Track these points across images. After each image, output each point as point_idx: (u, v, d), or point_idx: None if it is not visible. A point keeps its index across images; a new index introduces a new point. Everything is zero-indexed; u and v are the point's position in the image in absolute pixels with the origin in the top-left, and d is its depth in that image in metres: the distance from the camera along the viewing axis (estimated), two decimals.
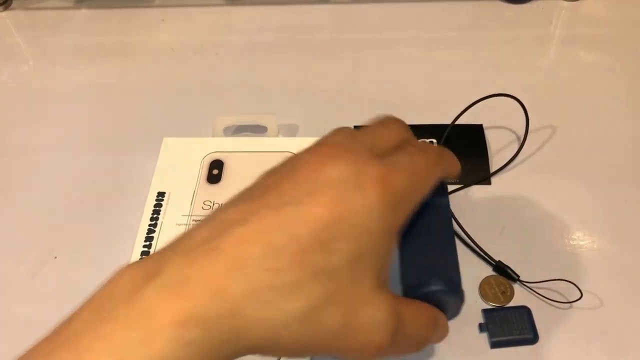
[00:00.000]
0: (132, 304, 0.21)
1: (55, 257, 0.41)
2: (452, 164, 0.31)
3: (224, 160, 0.44)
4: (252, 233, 0.22)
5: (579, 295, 0.36)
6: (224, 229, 0.22)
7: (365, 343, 0.24)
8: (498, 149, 0.45)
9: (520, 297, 0.37)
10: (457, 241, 0.40)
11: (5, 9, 0.61)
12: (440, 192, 0.30)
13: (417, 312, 0.27)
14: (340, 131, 0.29)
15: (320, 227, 0.23)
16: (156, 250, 0.23)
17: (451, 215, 0.32)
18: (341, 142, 0.27)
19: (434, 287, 0.28)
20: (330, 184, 0.24)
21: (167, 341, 0.20)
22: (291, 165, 0.26)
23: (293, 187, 0.24)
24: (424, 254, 0.29)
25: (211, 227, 0.23)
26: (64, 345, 0.21)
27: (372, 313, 0.24)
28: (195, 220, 0.40)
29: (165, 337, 0.20)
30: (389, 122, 0.30)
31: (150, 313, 0.20)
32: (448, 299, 0.29)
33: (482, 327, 0.36)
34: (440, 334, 0.29)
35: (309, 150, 0.26)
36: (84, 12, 0.61)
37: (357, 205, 0.23)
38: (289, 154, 0.43)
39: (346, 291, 0.23)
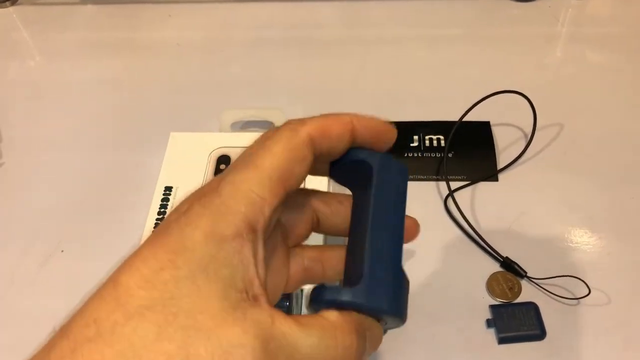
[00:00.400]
0: None
1: (62, 251, 0.41)
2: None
3: (231, 155, 0.44)
4: None
5: (586, 291, 0.36)
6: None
7: None
8: (505, 145, 0.45)
9: (527, 293, 0.37)
10: (465, 237, 0.40)
11: (13, 4, 0.62)
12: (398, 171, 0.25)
13: (315, 325, 0.21)
14: None
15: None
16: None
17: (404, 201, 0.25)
18: None
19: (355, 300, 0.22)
20: None
21: None
22: None
23: None
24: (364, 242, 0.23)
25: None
26: None
27: (225, 338, 0.18)
28: None
29: None
30: None
31: None
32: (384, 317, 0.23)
33: (489, 323, 0.36)
34: (372, 345, 0.23)
35: None
36: (90, 8, 0.61)
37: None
38: None
39: (181, 323, 0.18)
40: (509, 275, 0.38)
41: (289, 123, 0.23)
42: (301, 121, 0.23)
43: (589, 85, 0.50)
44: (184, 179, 0.43)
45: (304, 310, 0.36)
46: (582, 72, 0.51)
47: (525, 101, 0.43)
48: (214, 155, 0.44)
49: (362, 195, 0.25)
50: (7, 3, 0.61)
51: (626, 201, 0.41)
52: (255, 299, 0.20)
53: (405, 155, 0.45)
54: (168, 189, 0.42)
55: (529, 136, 0.44)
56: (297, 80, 0.52)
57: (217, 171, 0.43)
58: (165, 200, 0.41)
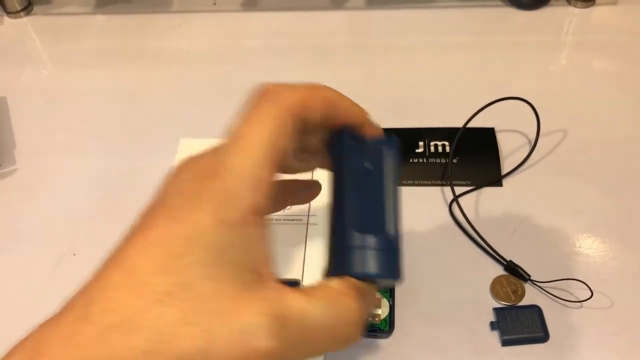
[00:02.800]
0: None
1: (74, 255, 0.42)
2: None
3: None
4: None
5: (589, 294, 0.36)
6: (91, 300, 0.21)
7: (244, 354, 0.19)
8: (509, 151, 0.46)
9: (531, 296, 0.37)
10: (469, 241, 0.40)
11: (27, 14, 0.63)
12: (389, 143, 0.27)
13: (320, 296, 0.22)
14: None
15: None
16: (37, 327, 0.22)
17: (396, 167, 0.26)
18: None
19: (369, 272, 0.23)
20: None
21: None
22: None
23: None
24: (365, 208, 0.24)
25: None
26: None
27: (243, 320, 0.20)
28: None
29: None
30: None
31: None
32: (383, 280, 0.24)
33: (493, 326, 0.36)
34: (366, 308, 0.24)
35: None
36: (102, 18, 0.63)
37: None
38: None
39: (201, 307, 0.19)
40: (513, 279, 0.38)
41: (267, 92, 0.24)
42: (279, 90, 0.24)
43: (593, 92, 0.50)
44: None
45: None
46: (586, 79, 0.51)
47: (530, 107, 0.44)
48: None
49: (338, 169, 0.26)
50: (22, 13, 0.63)
51: (630, 206, 0.42)
52: (264, 278, 0.21)
53: (411, 160, 0.45)
54: None
55: (533, 142, 0.44)
56: None
57: None
58: None
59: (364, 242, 0.23)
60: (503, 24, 0.57)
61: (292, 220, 0.41)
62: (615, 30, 0.56)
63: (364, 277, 0.23)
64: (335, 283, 0.23)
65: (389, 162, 0.26)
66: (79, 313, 0.20)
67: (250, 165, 0.22)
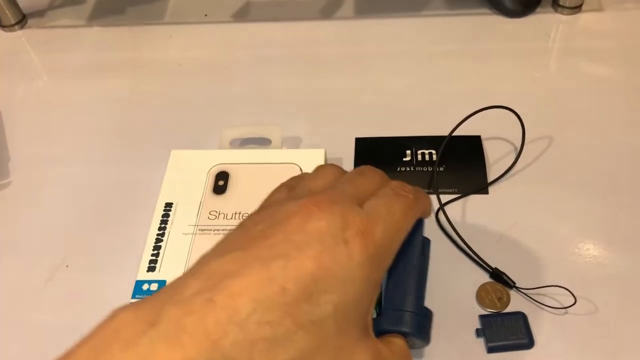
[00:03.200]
0: (131, 351, 0.21)
1: (67, 265, 0.43)
2: (426, 204, 0.33)
3: (229, 171, 0.45)
4: (244, 286, 0.23)
5: (573, 301, 0.37)
6: (217, 281, 0.23)
7: None
8: (496, 159, 0.46)
9: (516, 303, 0.38)
10: (455, 249, 0.41)
11: (22, 27, 0.64)
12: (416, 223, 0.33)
13: (397, 351, 0.29)
14: (323, 173, 0.32)
15: (308, 280, 0.24)
16: (150, 296, 0.24)
17: (424, 243, 0.34)
18: (325, 192, 0.29)
19: (405, 329, 0.31)
20: (317, 237, 0.25)
21: None
22: (276, 214, 0.27)
23: (283, 239, 0.25)
24: (400, 284, 0.32)
25: (204, 278, 0.24)
26: None
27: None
28: (202, 230, 0.42)
29: None
30: (368, 171, 0.32)
31: None
32: (415, 341, 0.32)
33: (478, 333, 0.37)
34: None
35: (294, 200, 0.28)
36: (95, 30, 0.63)
37: (342, 258, 0.25)
38: (293, 165, 0.45)
39: (333, 341, 0.24)
40: (498, 286, 0.39)
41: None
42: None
43: (579, 99, 0.51)
44: (184, 196, 0.44)
45: None
46: (572, 86, 0.52)
47: (515, 115, 0.44)
48: (212, 172, 0.45)
49: None
50: (16, 27, 0.64)
51: (615, 212, 0.42)
52: (368, 326, 0.28)
53: (398, 169, 0.46)
54: (168, 205, 0.44)
55: (519, 150, 0.45)
56: (294, 97, 0.54)
57: (216, 187, 0.44)
58: (166, 216, 0.43)
59: (406, 307, 0.31)
60: (490, 32, 0.58)
61: None
62: (602, 37, 0.56)
63: (401, 332, 0.31)
64: (401, 341, 0.30)
65: (422, 250, 0.34)
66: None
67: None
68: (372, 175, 0.32)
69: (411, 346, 0.32)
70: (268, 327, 0.23)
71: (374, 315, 0.30)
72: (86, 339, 0.23)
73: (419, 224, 0.33)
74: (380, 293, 0.32)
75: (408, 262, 0.32)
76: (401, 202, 0.30)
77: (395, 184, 0.31)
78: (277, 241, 0.25)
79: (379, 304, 0.32)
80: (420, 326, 0.31)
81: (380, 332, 0.30)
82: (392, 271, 0.32)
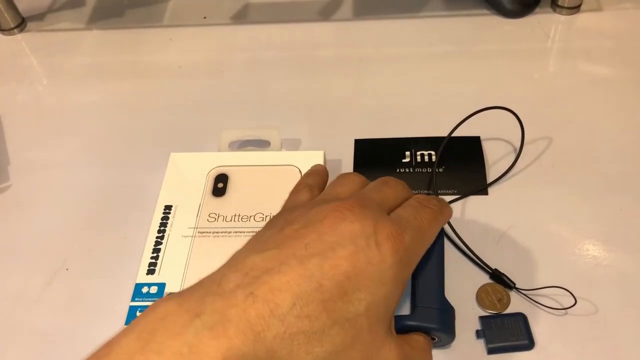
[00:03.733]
0: (179, 340, 0.22)
1: (67, 269, 0.43)
2: (449, 214, 0.35)
3: (228, 174, 0.45)
4: (283, 282, 0.25)
5: (573, 301, 0.37)
6: (256, 276, 0.25)
7: None
8: (495, 160, 0.46)
9: (516, 304, 0.38)
10: (455, 250, 0.41)
11: (21, 31, 0.64)
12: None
13: (418, 347, 0.31)
14: (349, 180, 0.33)
15: (343, 278, 0.26)
16: (188, 288, 0.25)
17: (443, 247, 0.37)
18: (355, 197, 0.31)
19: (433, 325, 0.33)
20: (350, 239, 0.27)
21: None
22: (309, 215, 0.28)
23: (317, 239, 0.27)
24: (429, 283, 0.35)
25: (242, 273, 0.25)
26: None
27: (387, 356, 0.27)
28: (201, 233, 0.42)
29: None
30: (392, 182, 0.34)
31: (196, 349, 0.22)
32: (442, 335, 0.34)
33: (479, 334, 0.37)
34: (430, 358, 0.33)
35: (325, 203, 0.29)
36: (95, 33, 0.63)
37: (375, 260, 0.27)
38: (292, 167, 0.45)
39: (364, 337, 0.26)
40: (498, 287, 0.39)
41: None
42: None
43: (578, 99, 0.51)
44: (183, 198, 0.44)
45: None
46: (571, 86, 0.52)
47: (514, 116, 0.44)
48: (211, 175, 0.45)
49: None
50: (16, 30, 0.64)
51: (614, 213, 0.42)
52: (392, 324, 0.29)
53: (398, 170, 0.46)
54: (168, 207, 0.44)
55: (518, 150, 0.45)
56: (293, 99, 0.54)
57: (215, 190, 0.44)
58: (165, 218, 0.43)
59: (430, 304, 0.33)
60: (489, 33, 0.58)
61: None
62: (601, 36, 0.56)
63: (428, 329, 0.33)
64: (423, 337, 0.32)
65: (441, 249, 0.36)
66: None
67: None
68: (396, 184, 0.34)
69: (438, 343, 0.35)
70: (307, 321, 0.24)
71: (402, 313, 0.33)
72: (131, 327, 0.23)
73: (440, 236, 0.36)
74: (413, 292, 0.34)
75: (433, 263, 0.35)
76: (428, 212, 0.32)
77: (420, 196, 0.33)
78: (311, 241, 0.26)
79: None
80: (447, 323, 0.34)
81: (405, 328, 0.32)
82: (419, 271, 0.34)
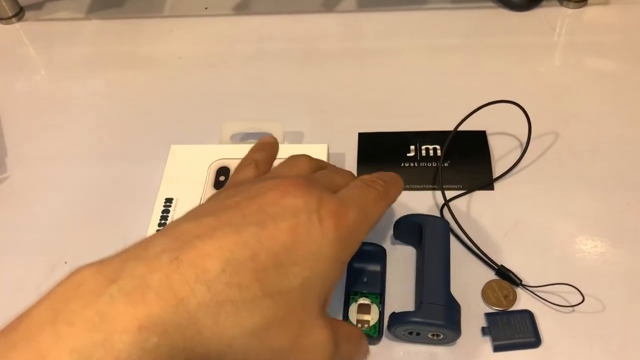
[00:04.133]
0: (93, 308, 0.21)
1: (66, 262, 0.42)
2: (394, 195, 0.34)
3: (230, 166, 0.45)
4: (214, 248, 0.23)
5: (580, 299, 0.36)
6: (185, 241, 0.23)
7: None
8: (501, 155, 0.46)
9: (522, 301, 0.37)
10: (461, 246, 0.40)
11: (19, 20, 0.63)
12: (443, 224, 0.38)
13: (348, 333, 0.30)
14: (298, 163, 0.33)
15: (279, 250, 0.24)
16: (115, 253, 0.24)
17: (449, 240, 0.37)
18: (302, 175, 0.30)
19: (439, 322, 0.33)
20: (293, 212, 0.26)
21: (125, 345, 0.20)
22: (252, 189, 0.27)
23: (256, 210, 0.25)
24: (436, 278, 0.35)
25: (172, 238, 0.24)
26: (24, 343, 0.21)
27: (318, 336, 0.26)
28: None
29: (124, 342, 0.20)
30: (341, 170, 0.35)
31: (110, 317, 0.21)
32: (447, 332, 0.34)
33: (484, 331, 0.36)
34: (364, 352, 0.31)
35: (270, 179, 0.29)
36: (94, 23, 0.62)
37: (315, 235, 0.26)
38: None
39: (297, 313, 0.25)
40: (504, 284, 0.38)
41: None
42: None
43: (584, 94, 0.50)
44: (184, 191, 0.43)
45: None
46: (577, 80, 0.51)
47: (521, 110, 0.44)
48: (213, 167, 0.45)
49: (419, 248, 0.39)
50: (14, 19, 0.63)
51: (621, 209, 0.42)
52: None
53: (402, 165, 0.45)
54: (168, 200, 0.43)
55: (525, 145, 0.44)
56: (296, 92, 0.53)
57: (217, 182, 0.44)
58: (166, 211, 0.42)
59: (435, 301, 0.34)
60: (495, 26, 0.57)
61: None
62: (608, 30, 0.56)
63: (432, 325, 0.33)
64: (356, 328, 0.33)
65: (447, 241, 0.37)
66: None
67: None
68: (344, 172, 0.34)
69: (443, 340, 0.35)
70: (236, 290, 0.23)
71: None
72: (46, 296, 0.22)
73: (445, 225, 0.38)
74: (421, 287, 0.35)
75: (438, 259, 0.35)
76: (372, 192, 0.31)
77: (366, 176, 0.32)
78: (251, 212, 0.25)
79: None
80: (453, 319, 0.34)
81: (411, 325, 0.33)
82: (424, 267, 0.35)
